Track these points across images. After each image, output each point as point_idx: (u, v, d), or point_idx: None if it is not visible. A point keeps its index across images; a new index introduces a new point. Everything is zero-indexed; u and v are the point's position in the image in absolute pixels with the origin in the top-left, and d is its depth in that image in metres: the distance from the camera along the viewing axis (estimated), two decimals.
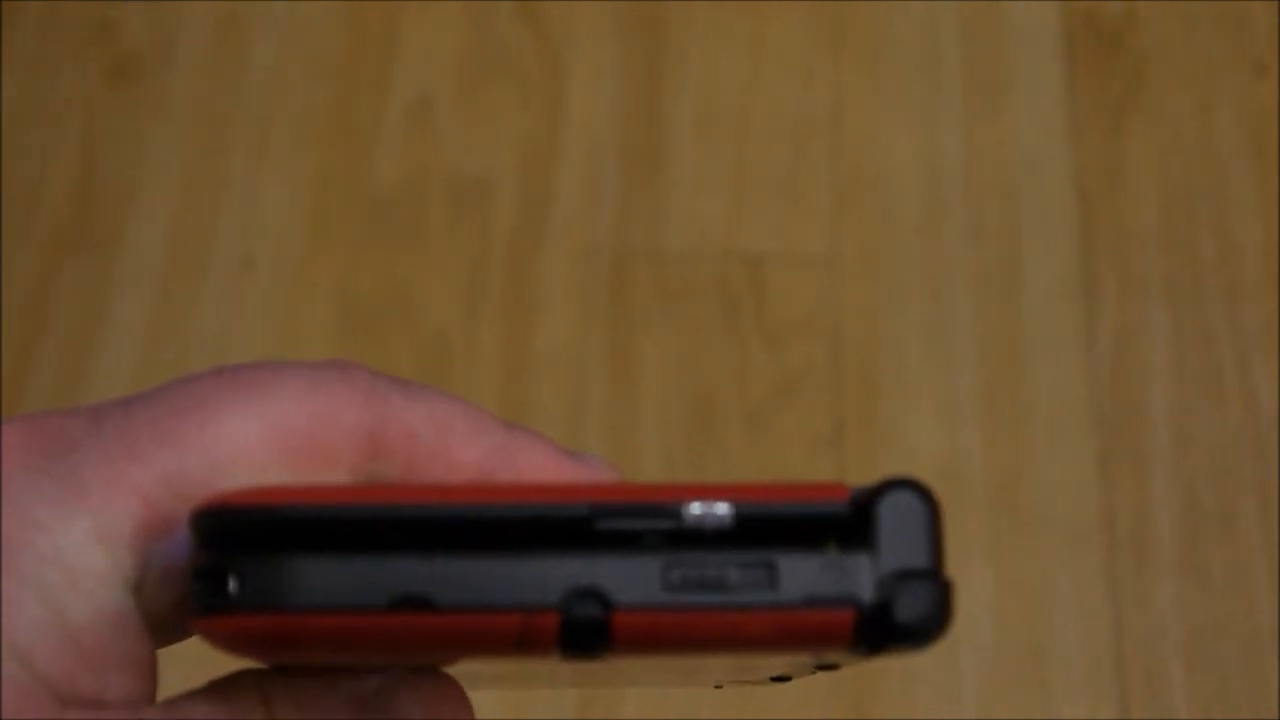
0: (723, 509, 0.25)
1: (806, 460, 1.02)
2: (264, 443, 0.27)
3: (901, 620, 0.25)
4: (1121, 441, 1.02)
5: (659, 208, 1.12)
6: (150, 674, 0.27)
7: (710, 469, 1.02)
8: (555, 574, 0.25)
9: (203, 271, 1.11)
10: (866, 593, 0.25)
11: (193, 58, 1.19)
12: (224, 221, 1.13)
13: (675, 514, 0.25)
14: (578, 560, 0.25)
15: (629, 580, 0.25)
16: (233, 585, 0.25)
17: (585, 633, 0.25)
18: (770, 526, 0.25)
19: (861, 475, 1.05)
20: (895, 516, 0.25)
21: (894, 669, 0.95)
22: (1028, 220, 1.10)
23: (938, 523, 0.25)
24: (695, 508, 0.25)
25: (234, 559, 0.25)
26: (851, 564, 0.25)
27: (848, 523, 0.25)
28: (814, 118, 1.15)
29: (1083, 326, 1.06)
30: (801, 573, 0.25)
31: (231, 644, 0.25)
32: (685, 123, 1.15)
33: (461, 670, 0.29)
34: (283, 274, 1.10)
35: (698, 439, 1.04)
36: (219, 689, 0.27)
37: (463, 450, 0.28)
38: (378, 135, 1.16)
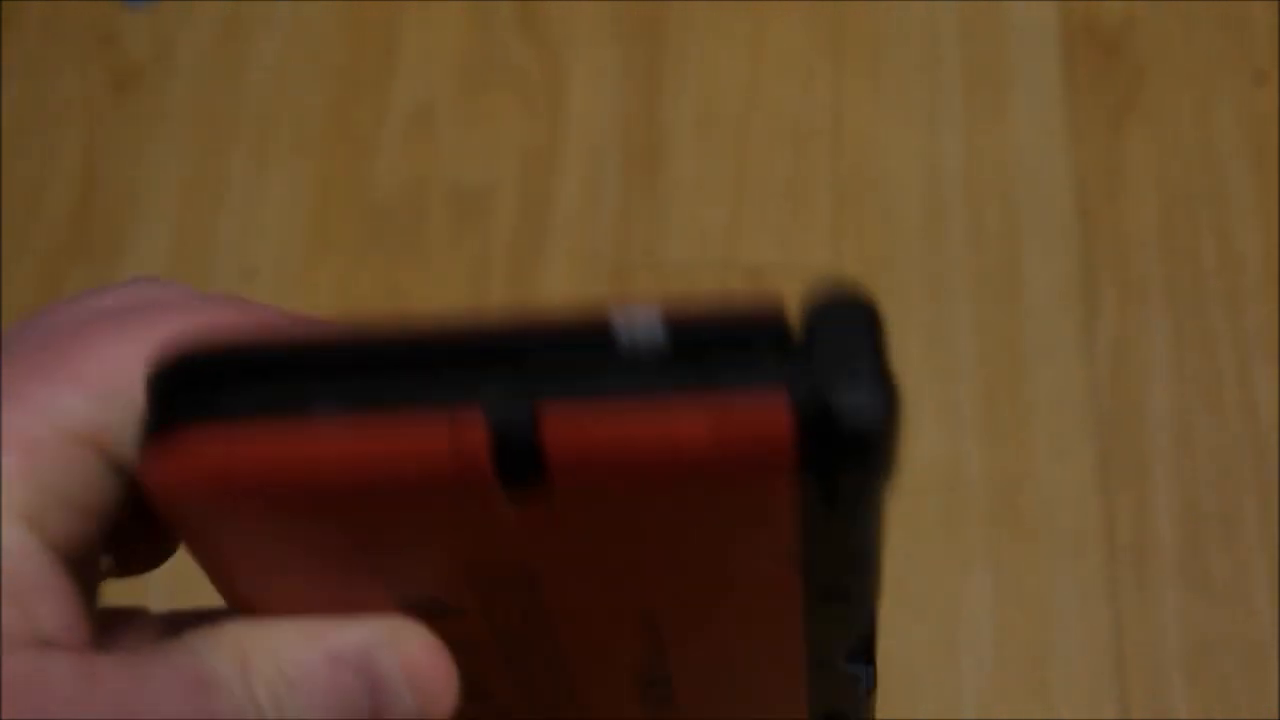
0: (655, 325, 0.25)
1: None
2: (142, 369, 0.27)
3: (843, 416, 0.24)
4: (1122, 446, 1.02)
5: (659, 215, 1.12)
6: (76, 603, 0.27)
7: None
8: (484, 384, 0.25)
9: (205, 280, 1.11)
10: (806, 391, 0.24)
11: (193, 66, 1.19)
12: (225, 230, 1.13)
13: (608, 333, 0.25)
14: (510, 376, 0.25)
15: (559, 389, 0.24)
16: (172, 414, 0.25)
17: (515, 438, 0.24)
18: (705, 339, 0.25)
19: None
20: (834, 321, 0.25)
21: (896, 679, 0.95)
22: (1028, 224, 1.10)
23: (878, 326, 0.25)
24: (627, 325, 0.25)
25: (174, 395, 0.25)
26: (790, 368, 0.24)
27: (785, 332, 0.25)
28: (814, 120, 1.15)
29: (1083, 331, 1.06)
30: (738, 377, 0.24)
31: (172, 479, 0.25)
32: (685, 127, 1.15)
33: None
34: (284, 282, 1.11)
35: None
36: (191, 644, 0.28)
37: None
38: (378, 143, 1.16)
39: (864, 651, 0.31)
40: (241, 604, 0.29)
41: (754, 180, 1.13)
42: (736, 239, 1.11)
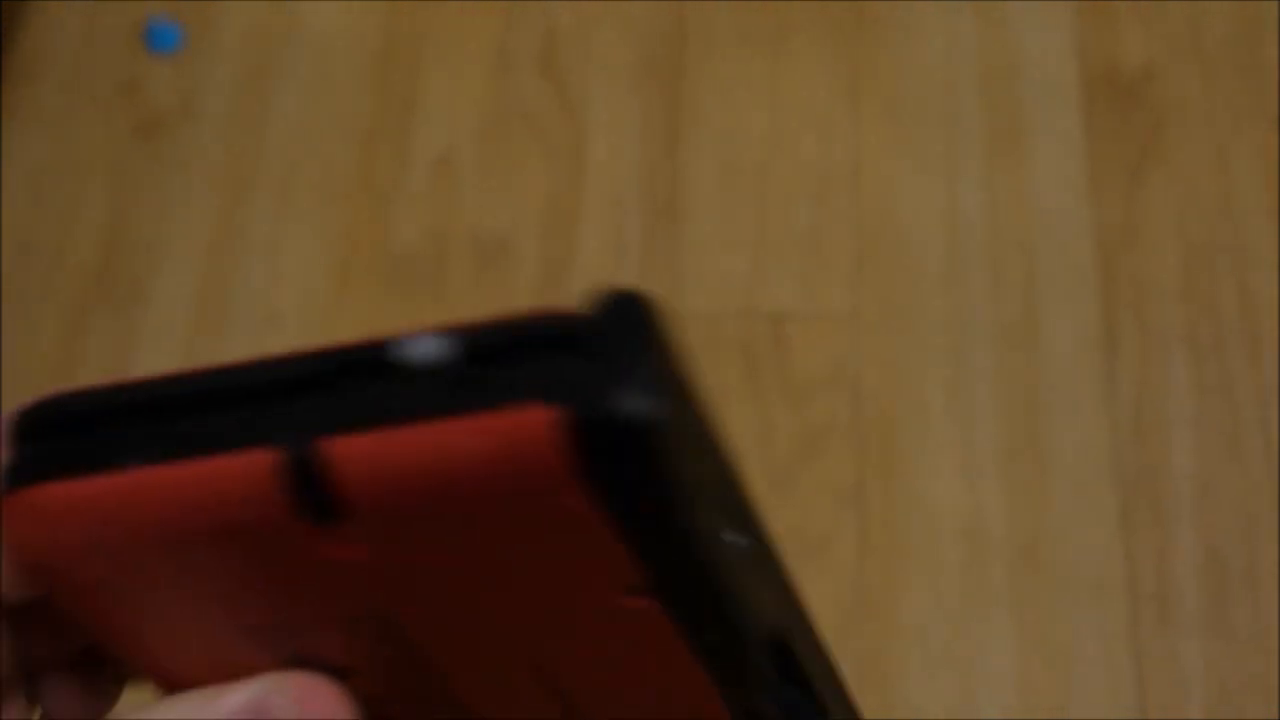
0: (434, 343, 0.25)
1: (829, 518, 1.02)
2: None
3: (612, 418, 0.23)
4: (1143, 494, 1.02)
5: (680, 263, 1.12)
6: None
7: None
8: (276, 420, 0.25)
9: (228, 328, 1.11)
10: (576, 398, 0.23)
11: (216, 114, 1.20)
12: (248, 278, 1.14)
13: (389, 355, 0.25)
14: (300, 409, 0.25)
15: (345, 415, 0.25)
16: (18, 467, 0.26)
17: (305, 475, 0.24)
18: (483, 353, 0.24)
19: (884, 533, 1.04)
20: (610, 326, 0.24)
21: None
22: (1048, 275, 1.10)
23: (653, 325, 0.25)
24: (407, 346, 0.25)
25: (15, 460, 0.27)
26: (562, 376, 0.24)
27: (562, 341, 0.24)
28: (834, 170, 1.16)
29: (1103, 381, 1.06)
30: (516, 383, 0.24)
31: (23, 524, 0.26)
32: (705, 176, 1.16)
33: None
34: (307, 331, 1.11)
35: None
36: None
37: None
38: (400, 191, 1.16)
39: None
40: (141, 680, 0.29)
41: (774, 229, 1.14)
42: (757, 288, 1.11)
